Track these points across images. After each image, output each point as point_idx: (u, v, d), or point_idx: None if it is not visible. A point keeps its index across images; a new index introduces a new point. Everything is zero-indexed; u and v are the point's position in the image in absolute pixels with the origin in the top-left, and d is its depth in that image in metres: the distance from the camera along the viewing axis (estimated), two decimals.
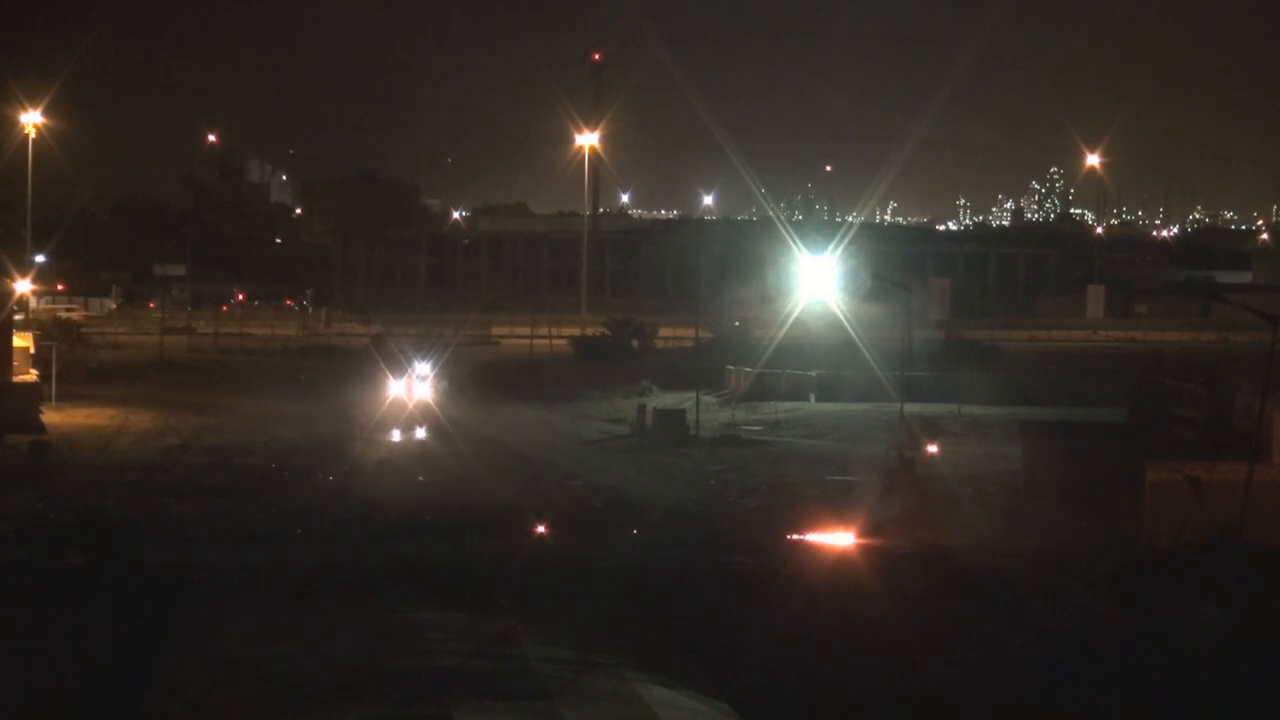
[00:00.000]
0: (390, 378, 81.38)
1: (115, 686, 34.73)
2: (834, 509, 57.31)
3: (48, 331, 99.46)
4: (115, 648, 37.41)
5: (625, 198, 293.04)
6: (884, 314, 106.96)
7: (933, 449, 68.18)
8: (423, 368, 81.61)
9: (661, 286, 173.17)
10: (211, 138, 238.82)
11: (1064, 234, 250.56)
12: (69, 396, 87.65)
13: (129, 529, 54.51)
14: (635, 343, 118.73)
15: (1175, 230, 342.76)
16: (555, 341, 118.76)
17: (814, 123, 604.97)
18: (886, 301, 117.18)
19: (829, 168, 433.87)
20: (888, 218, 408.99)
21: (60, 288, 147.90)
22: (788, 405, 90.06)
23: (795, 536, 54.55)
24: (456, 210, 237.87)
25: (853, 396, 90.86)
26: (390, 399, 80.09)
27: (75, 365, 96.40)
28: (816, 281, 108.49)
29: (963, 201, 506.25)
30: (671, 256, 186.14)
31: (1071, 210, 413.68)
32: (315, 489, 62.39)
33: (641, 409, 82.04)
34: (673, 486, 65.84)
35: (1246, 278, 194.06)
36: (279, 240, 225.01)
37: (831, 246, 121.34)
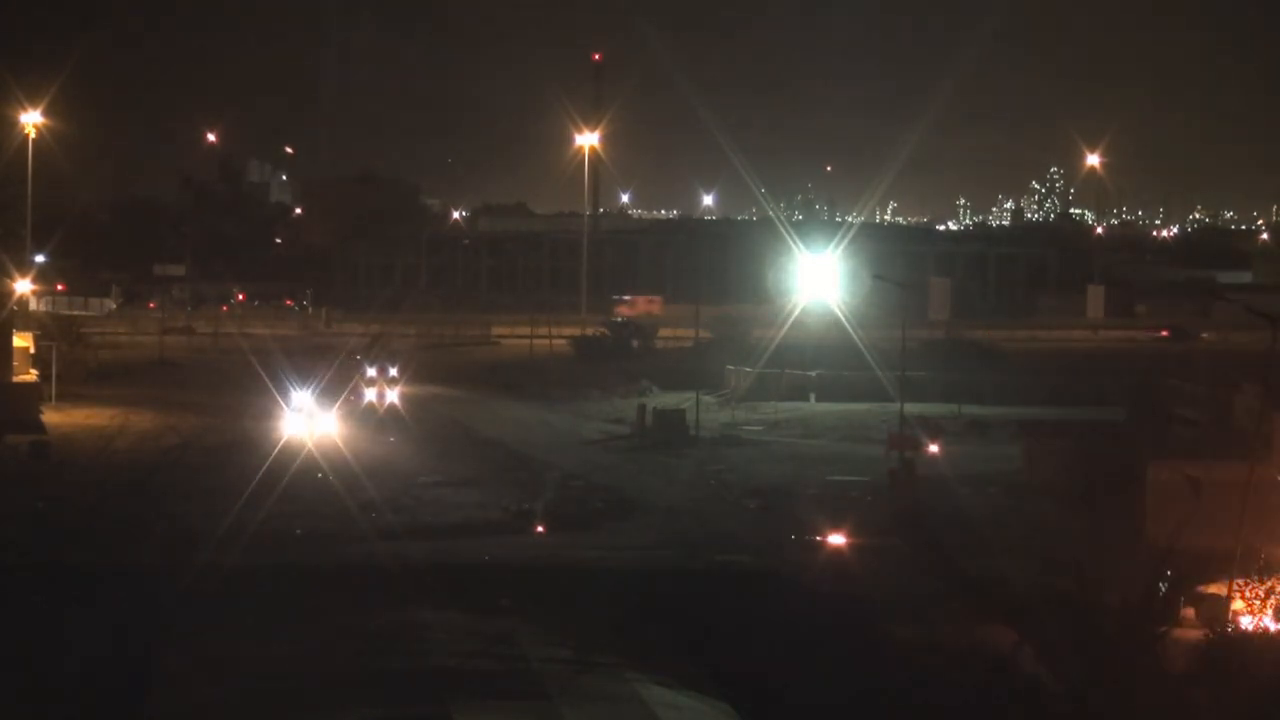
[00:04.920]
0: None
1: (115, 686, 34.72)
2: (834, 509, 57.29)
3: (48, 331, 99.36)
4: (115, 648, 37.40)
5: (625, 198, 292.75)
6: (883, 314, 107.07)
7: (933, 449, 68.31)
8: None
9: (661, 287, 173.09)
10: (211, 138, 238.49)
11: (1064, 234, 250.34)
12: (69, 396, 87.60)
13: (129, 529, 54.58)
14: (635, 343, 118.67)
15: (1175, 230, 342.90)
16: (555, 341, 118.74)
17: (814, 123, 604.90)
18: (886, 301, 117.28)
19: (829, 168, 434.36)
20: (888, 218, 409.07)
21: (60, 288, 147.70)
22: (788, 405, 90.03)
23: (795, 536, 54.55)
24: (456, 210, 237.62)
25: (853, 396, 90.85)
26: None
27: (75, 365, 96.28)
28: (816, 281, 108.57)
29: (963, 201, 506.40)
30: (671, 256, 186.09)
31: (1071, 210, 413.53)
32: (315, 489, 62.35)
33: (641, 409, 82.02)
34: (673, 486, 65.84)
35: (1246, 278, 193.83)
36: (279, 240, 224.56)
37: (831, 246, 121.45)
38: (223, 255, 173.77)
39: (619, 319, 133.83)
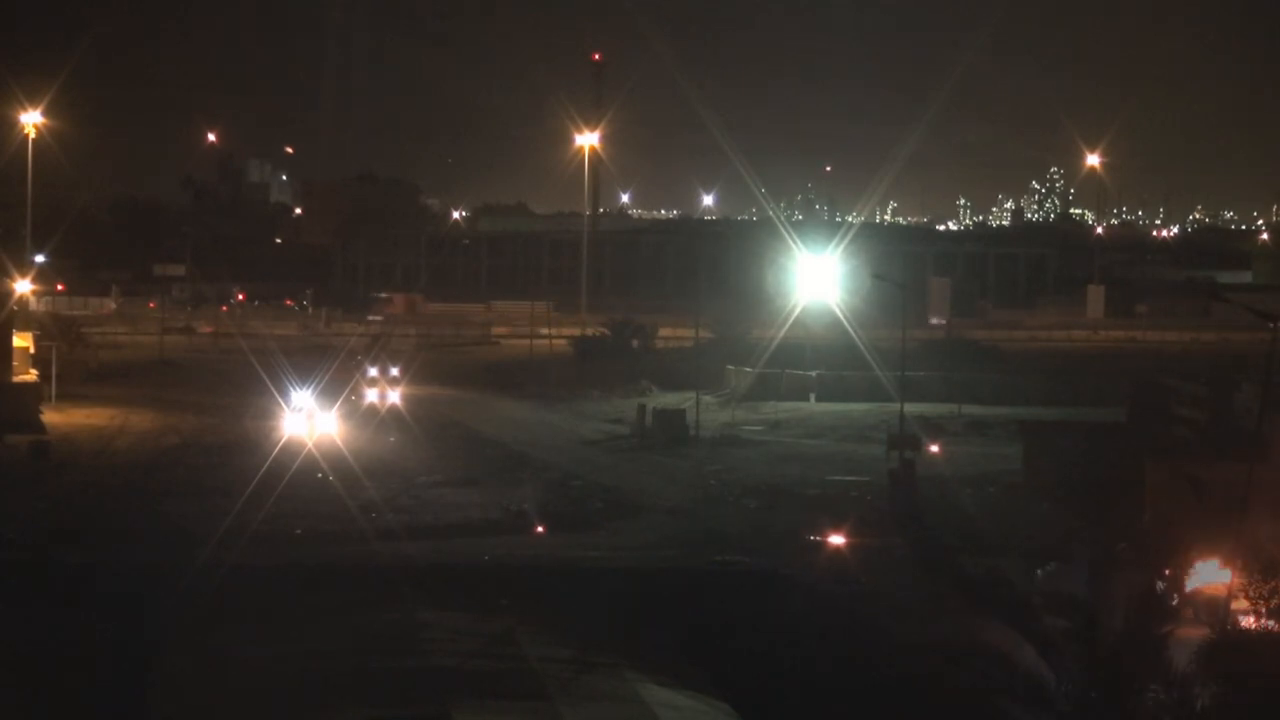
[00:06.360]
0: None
1: (115, 686, 34.71)
2: (834, 509, 57.28)
3: (47, 331, 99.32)
4: (115, 647, 37.38)
5: (625, 198, 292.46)
6: (883, 314, 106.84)
7: (933, 449, 68.32)
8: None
9: (662, 286, 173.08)
10: (211, 138, 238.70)
11: (1064, 234, 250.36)
12: (69, 396, 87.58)
13: (129, 529, 54.56)
14: (635, 343, 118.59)
15: (1175, 230, 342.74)
16: (555, 341, 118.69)
17: (814, 123, 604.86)
18: (885, 301, 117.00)
19: (829, 168, 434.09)
20: (888, 218, 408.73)
21: (60, 288, 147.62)
22: (788, 405, 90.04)
23: (795, 536, 54.51)
24: (456, 210, 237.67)
25: (853, 396, 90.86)
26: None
27: (75, 365, 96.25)
28: (816, 281, 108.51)
29: (963, 201, 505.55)
30: (671, 256, 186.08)
31: (1071, 210, 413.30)
32: (315, 489, 62.32)
33: (641, 409, 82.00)
34: (673, 487, 65.83)
35: (1246, 278, 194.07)
36: (279, 240, 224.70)
37: (831, 246, 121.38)
38: (223, 255, 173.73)
39: (380, 317, 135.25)
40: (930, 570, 49.13)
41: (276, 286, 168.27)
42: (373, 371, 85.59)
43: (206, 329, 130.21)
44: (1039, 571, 44.35)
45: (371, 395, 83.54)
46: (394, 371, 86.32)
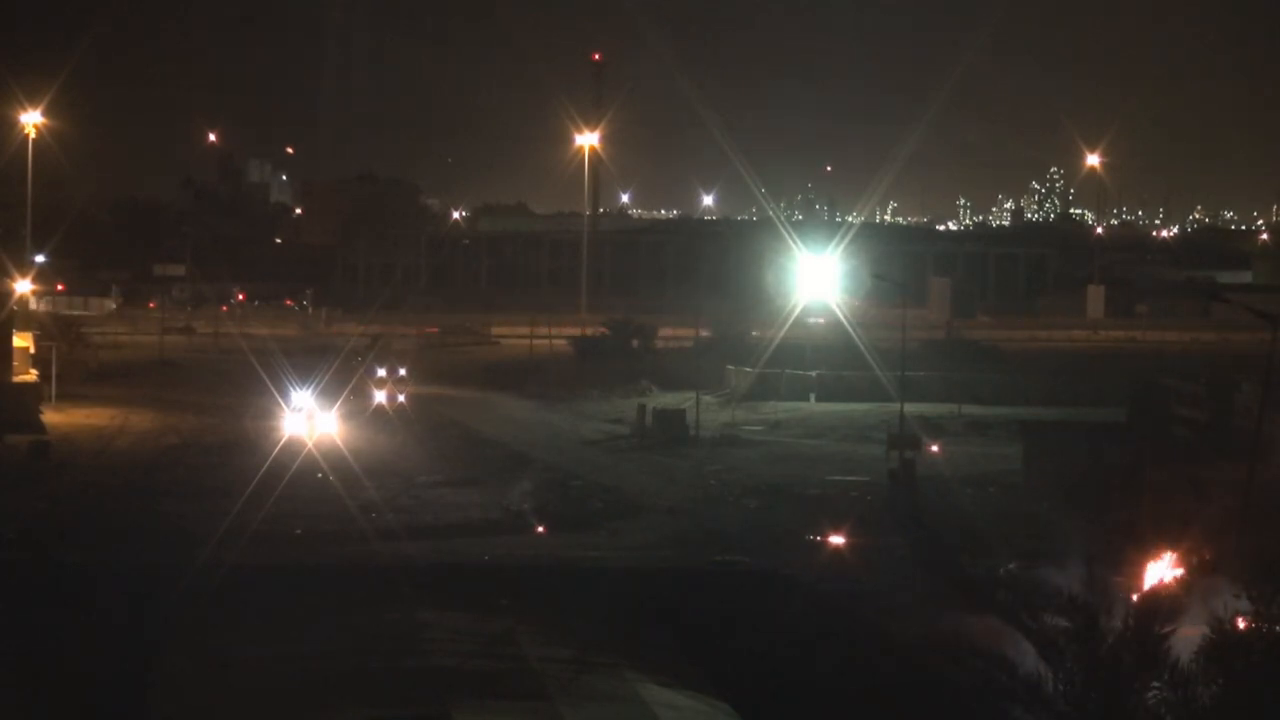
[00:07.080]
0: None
1: (115, 686, 34.71)
2: (834, 509, 57.29)
3: (47, 331, 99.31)
4: (115, 647, 37.37)
5: (625, 198, 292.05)
6: (883, 314, 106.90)
7: (933, 449, 68.36)
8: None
9: (662, 286, 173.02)
10: (211, 138, 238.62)
11: (1064, 234, 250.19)
12: (69, 396, 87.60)
13: (129, 529, 54.56)
14: (635, 343, 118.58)
15: (1175, 230, 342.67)
16: (555, 341, 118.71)
17: (814, 123, 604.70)
18: (886, 301, 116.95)
19: (829, 168, 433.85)
20: (888, 218, 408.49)
21: (60, 288, 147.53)
22: (788, 405, 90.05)
23: (795, 536, 54.52)
24: (456, 210, 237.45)
25: (853, 396, 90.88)
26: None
27: (75, 365, 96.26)
28: (816, 281, 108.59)
29: (963, 201, 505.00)
30: (671, 256, 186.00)
31: (1071, 210, 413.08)
32: (315, 489, 62.33)
33: (641, 409, 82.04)
34: (673, 486, 65.86)
35: (1246, 278, 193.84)
36: (279, 240, 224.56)
37: (831, 246, 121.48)
38: (223, 255, 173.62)
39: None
40: (930, 570, 49.10)
41: (276, 286, 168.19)
42: (380, 372, 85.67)
43: (206, 329, 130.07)
44: (1001, 570, 44.41)
45: (379, 396, 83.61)
46: (402, 372, 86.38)
